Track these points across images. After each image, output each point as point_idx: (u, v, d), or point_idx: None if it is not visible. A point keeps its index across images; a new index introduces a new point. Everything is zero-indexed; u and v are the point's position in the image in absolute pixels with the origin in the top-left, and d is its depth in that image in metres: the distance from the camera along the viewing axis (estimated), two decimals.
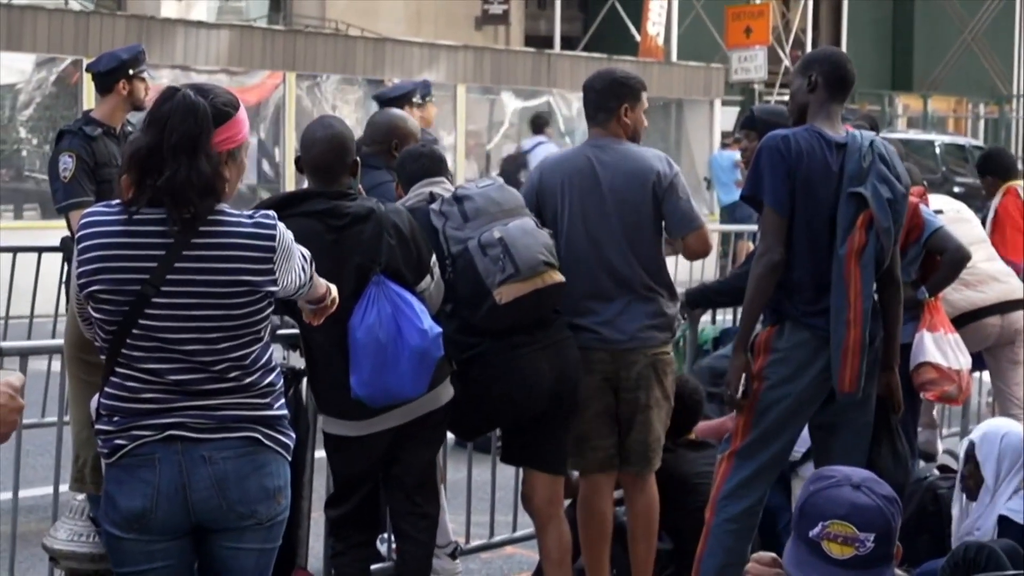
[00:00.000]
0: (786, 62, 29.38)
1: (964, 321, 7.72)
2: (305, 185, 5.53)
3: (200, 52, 18.17)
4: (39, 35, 16.75)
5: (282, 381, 4.20)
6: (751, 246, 14.27)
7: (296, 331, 5.46)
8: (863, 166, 5.49)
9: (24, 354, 5.74)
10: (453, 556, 6.47)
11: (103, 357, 4.06)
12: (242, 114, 4.12)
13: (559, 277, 5.71)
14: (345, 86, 20.00)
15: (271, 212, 4.13)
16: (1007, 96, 36.91)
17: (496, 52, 22.88)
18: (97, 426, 4.07)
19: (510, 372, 5.70)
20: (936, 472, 7.14)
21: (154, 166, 3.94)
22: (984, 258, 7.95)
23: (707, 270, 15.27)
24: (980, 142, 30.92)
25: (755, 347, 5.60)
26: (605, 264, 5.99)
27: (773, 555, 3.71)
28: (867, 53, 34.67)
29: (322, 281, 4.44)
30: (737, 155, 19.76)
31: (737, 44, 27.61)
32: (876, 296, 5.61)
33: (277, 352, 4.77)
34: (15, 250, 10.34)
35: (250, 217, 4.06)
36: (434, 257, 5.53)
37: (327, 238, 5.22)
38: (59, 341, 5.33)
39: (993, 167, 10.58)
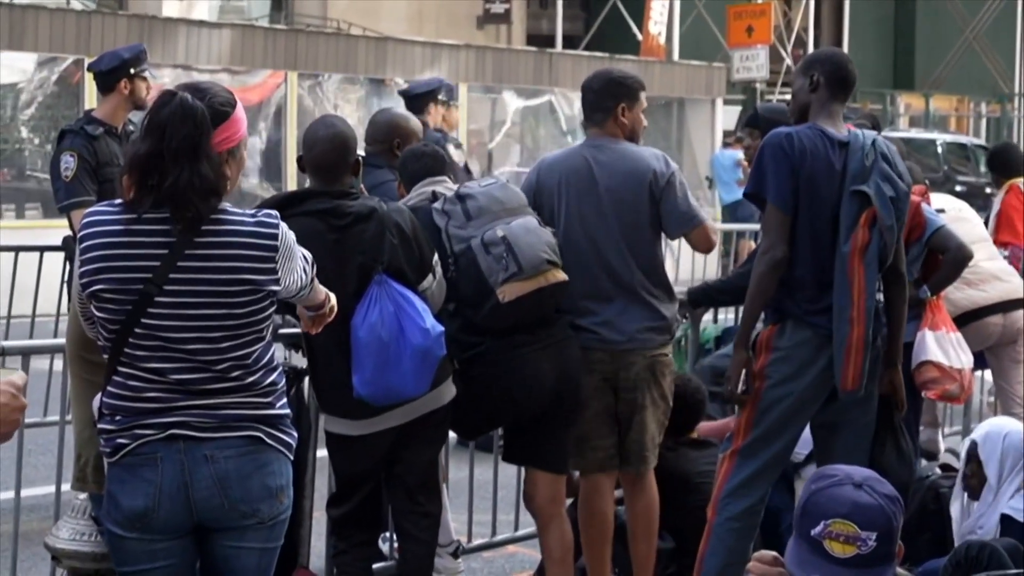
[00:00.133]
0: (788, 61, 29.37)
1: (966, 320, 7.72)
2: (307, 184, 5.53)
3: (202, 51, 18.17)
4: (41, 34, 16.76)
5: (284, 380, 4.20)
6: (753, 245, 14.27)
7: (298, 330, 5.46)
8: (866, 164, 5.50)
9: (26, 353, 5.74)
10: (455, 555, 6.47)
11: (105, 356, 4.06)
12: (239, 111, 4.12)
13: (562, 276, 5.71)
14: (347, 85, 20.01)
15: (273, 212, 4.13)
16: (1009, 95, 36.91)
17: (498, 51, 22.88)
18: (99, 425, 4.07)
19: (512, 371, 5.70)
20: (938, 471, 7.15)
21: (156, 171, 3.94)
22: (986, 257, 7.95)
23: (709, 269, 15.26)
24: (982, 141, 30.94)
25: (756, 346, 5.60)
26: (603, 264, 5.98)
27: (775, 554, 3.71)
28: (869, 52, 34.67)
29: (321, 288, 4.45)
30: (739, 154, 19.80)
31: (739, 43, 27.60)
32: (882, 293, 5.62)
33: (279, 351, 4.77)
34: (17, 249, 10.34)
35: (252, 216, 4.06)
36: (436, 256, 5.53)
37: (329, 237, 5.22)
38: (61, 340, 5.33)
39: (998, 163, 10.60)
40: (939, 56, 36.98)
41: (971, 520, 6.05)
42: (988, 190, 22.76)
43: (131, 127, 7.63)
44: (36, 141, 17.35)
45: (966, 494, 6.15)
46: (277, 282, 4.05)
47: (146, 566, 4.04)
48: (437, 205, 5.75)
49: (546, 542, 6.05)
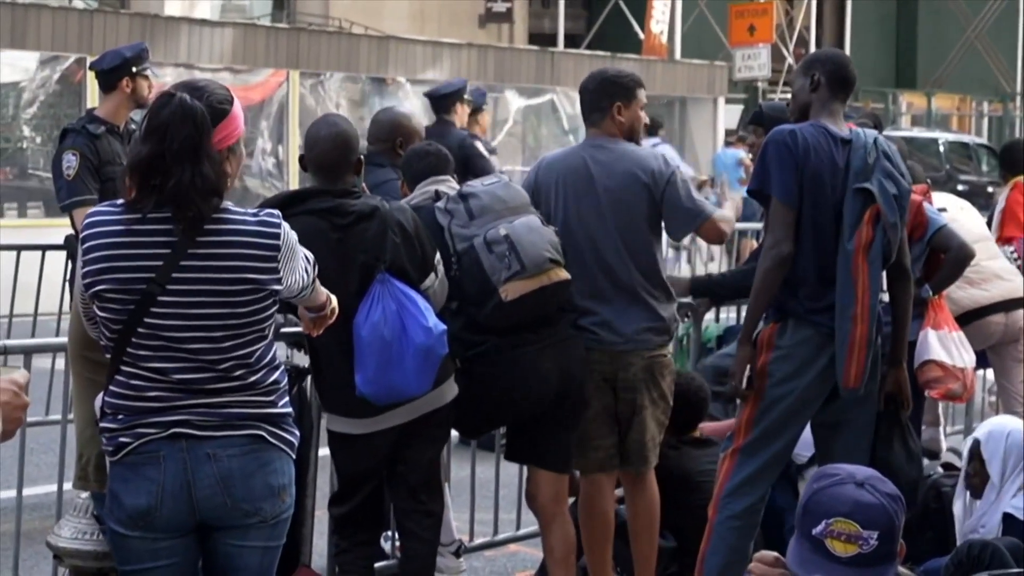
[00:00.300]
0: (790, 60, 29.40)
1: (968, 319, 7.72)
2: (309, 183, 5.53)
3: (204, 50, 18.18)
4: (43, 33, 16.76)
5: (286, 379, 4.20)
6: (755, 244, 14.27)
7: (300, 329, 5.46)
8: (868, 162, 5.51)
9: (28, 352, 5.74)
10: (457, 554, 6.47)
11: (108, 356, 4.06)
12: (237, 108, 4.12)
13: (565, 274, 5.71)
14: (349, 84, 20.01)
15: (275, 211, 4.13)
16: (1011, 94, 36.92)
17: (500, 50, 22.89)
18: (102, 424, 4.07)
19: (515, 370, 5.70)
20: (940, 470, 7.14)
21: (157, 172, 3.95)
22: (988, 256, 7.94)
23: (715, 270, 15.24)
24: (984, 140, 30.94)
25: (758, 344, 5.60)
26: (601, 265, 5.97)
27: (776, 554, 3.71)
28: (871, 51, 34.70)
29: (323, 289, 4.45)
30: (741, 153, 19.81)
31: (741, 42, 27.62)
32: (887, 290, 5.63)
33: (281, 350, 4.77)
34: (19, 248, 10.33)
35: (254, 215, 4.06)
36: (438, 255, 5.53)
37: (331, 236, 5.22)
38: (63, 339, 5.33)
39: (1007, 160, 10.61)
40: (941, 55, 37.00)
41: (973, 519, 6.05)
42: (990, 189, 22.79)
43: (133, 126, 7.63)
44: (38, 140, 17.35)
45: (968, 493, 6.15)
46: (279, 281, 4.05)
47: (148, 565, 4.04)
48: (440, 204, 5.75)
49: (548, 541, 6.05)
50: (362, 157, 5.51)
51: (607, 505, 6.13)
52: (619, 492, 6.32)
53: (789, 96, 5.90)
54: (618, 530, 6.20)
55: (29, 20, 16.67)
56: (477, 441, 6.96)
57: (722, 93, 24.77)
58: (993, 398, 9.00)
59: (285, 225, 4.09)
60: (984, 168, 27.32)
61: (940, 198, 8.05)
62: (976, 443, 6.12)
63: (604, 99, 6.07)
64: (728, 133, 23.90)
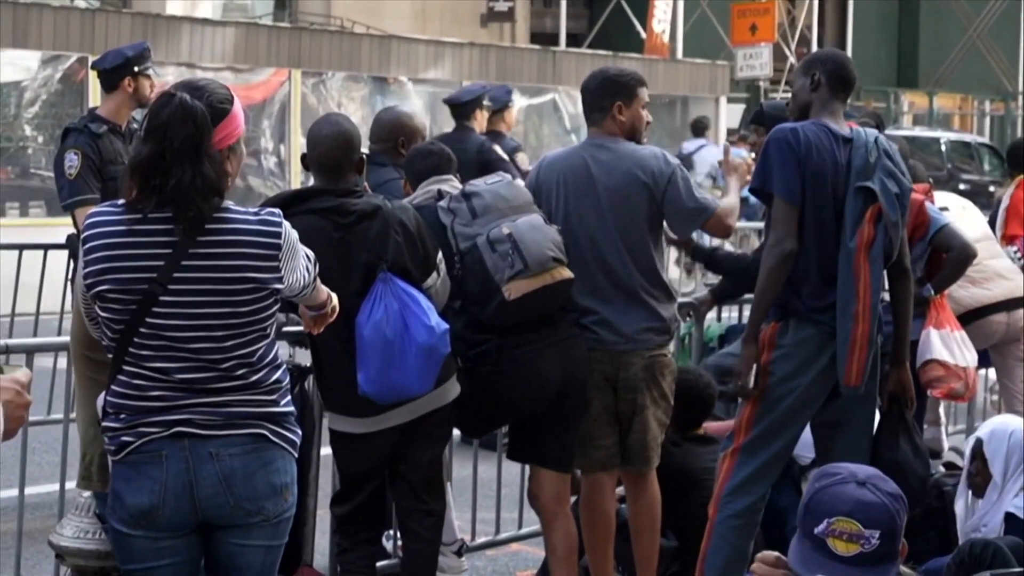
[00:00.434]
0: (791, 59, 29.39)
1: (970, 318, 7.71)
2: (311, 183, 5.53)
3: (205, 50, 18.17)
4: (44, 32, 16.76)
5: (288, 378, 4.21)
6: (756, 243, 14.26)
7: (302, 328, 5.47)
8: (869, 161, 5.51)
9: (30, 351, 5.74)
10: (459, 554, 6.47)
11: (110, 356, 4.06)
12: (237, 107, 4.12)
13: (568, 273, 5.71)
14: (350, 83, 20.00)
15: (276, 210, 4.13)
16: (1012, 93, 36.90)
17: (501, 49, 22.88)
18: (104, 423, 4.07)
19: (517, 369, 5.70)
20: (942, 469, 7.14)
21: (158, 172, 3.95)
22: (990, 255, 7.94)
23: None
24: (986, 139, 30.94)
25: (759, 343, 5.60)
26: (601, 265, 5.97)
27: (777, 554, 3.71)
28: (872, 50, 34.69)
29: (323, 288, 4.45)
30: (743, 152, 19.78)
31: (742, 41, 27.62)
32: (888, 289, 5.63)
33: (282, 349, 4.77)
34: (21, 247, 10.34)
35: (255, 215, 4.06)
36: (440, 254, 5.53)
37: (333, 236, 5.22)
38: (65, 338, 5.34)
39: (1014, 157, 10.62)
40: (943, 54, 36.98)
41: (975, 518, 6.05)
42: (992, 188, 22.79)
43: (135, 125, 7.63)
44: (40, 139, 17.34)
45: (970, 492, 6.15)
46: (280, 280, 4.05)
47: (151, 564, 4.04)
48: (443, 203, 5.75)
49: (551, 540, 6.05)
50: (364, 156, 5.51)
51: (608, 504, 6.12)
52: (620, 491, 6.31)
53: (790, 95, 5.91)
54: (619, 529, 6.20)
55: (31, 19, 16.66)
56: (479, 440, 6.95)
57: (724, 92, 24.75)
58: (995, 397, 9.00)
59: (286, 224, 4.09)
60: (986, 167, 27.32)
61: (942, 197, 8.05)
62: (979, 442, 6.12)
63: (605, 98, 6.06)
64: (730, 132, 23.87)
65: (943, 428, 8.98)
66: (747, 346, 5.56)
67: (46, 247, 10.03)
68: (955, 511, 6.29)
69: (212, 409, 4.01)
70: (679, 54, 26.99)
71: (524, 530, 7.19)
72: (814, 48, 28.85)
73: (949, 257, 7.33)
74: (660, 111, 22.90)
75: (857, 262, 5.46)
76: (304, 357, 5.87)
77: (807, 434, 5.87)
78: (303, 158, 5.52)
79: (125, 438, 4.01)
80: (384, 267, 5.23)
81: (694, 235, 6.91)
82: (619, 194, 5.96)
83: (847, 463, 3.78)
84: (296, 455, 4.17)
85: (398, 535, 6.19)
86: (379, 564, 6.09)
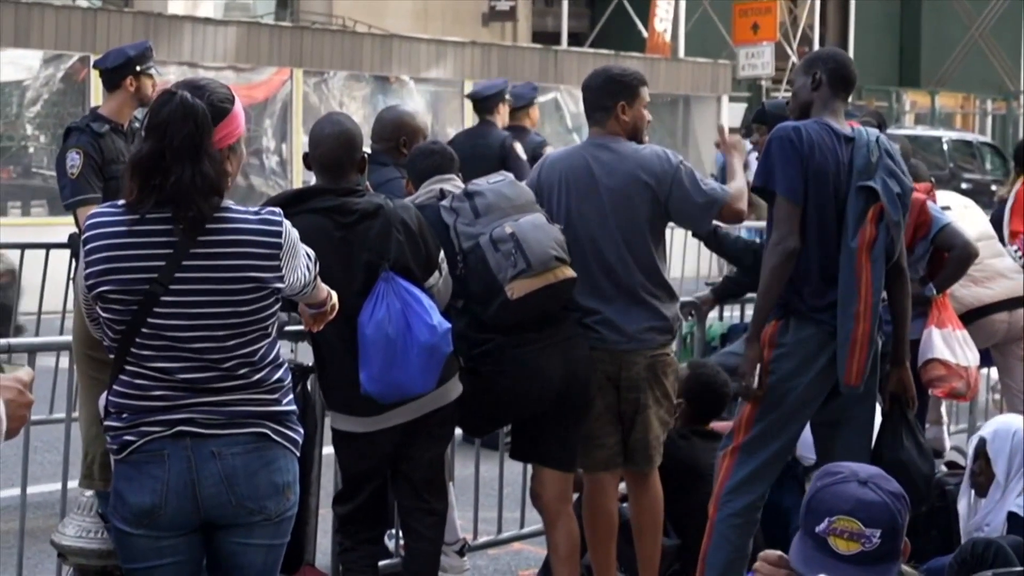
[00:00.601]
0: (793, 58, 29.39)
1: (972, 317, 7.71)
2: (313, 182, 5.53)
3: (207, 49, 18.18)
4: (46, 31, 16.76)
5: (290, 377, 4.21)
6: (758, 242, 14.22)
7: (303, 327, 5.47)
8: (871, 160, 5.52)
9: (33, 350, 5.74)
10: (461, 553, 6.47)
11: (112, 356, 4.06)
12: (238, 107, 4.12)
13: (570, 272, 5.70)
14: (352, 82, 20.01)
15: (277, 209, 4.13)
16: (1014, 92, 36.90)
17: (503, 48, 22.89)
18: (106, 422, 4.07)
19: (519, 369, 5.69)
20: (944, 468, 7.14)
21: (158, 171, 3.95)
22: (992, 254, 7.94)
23: (715, 268, 15.22)
24: (988, 138, 30.93)
25: (761, 342, 5.60)
26: (602, 265, 5.95)
27: (779, 553, 3.71)
28: (874, 49, 34.69)
29: (323, 286, 4.45)
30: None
31: (744, 40, 27.64)
32: (885, 290, 5.63)
33: (284, 348, 4.77)
34: (23, 247, 10.34)
35: (256, 214, 4.06)
36: (442, 253, 5.53)
37: (335, 235, 5.22)
38: (67, 338, 5.34)
39: (1017, 157, 10.61)
40: (944, 53, 36.99)
41: (978, 517, 6.05)
42: (994, 187, 22.77)
43: (137, 124, 7.63)
44: (42, 138, 17.35)
45: (973, 491, 6.15)
46: (281, 279, 4.05)
47: (153, 563, 4.04)
48: (445, 203, 5.74)
49: (553, 539, 6.05)
50: (366, 156, 5.51)
51: (611, 504, 6.12)
52: (621, 490, 6.31)
53: (791, 94, 5.91)
54: (620, 529, 6.19)
55: (33, 18, 16.67)
56: (481, 439, 6.95)
57: (726, 91, 24.76)
58: (997, 396, 9.00)
59: (286, 223, 4.09)
60: (988, 167, 27.32)
61: (944, 196, 8.05)
62: (982, 441, 6.12)
63: (608, 98, 6.05)
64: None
65: (945, 427, 8.98)
66: (750, 346, 5.56)
67: (48, 246, 10.03)
68: (958, 510, 6.29)
69: (214, 408, 4.01)
70: (681, 53, 27.00)
71: (526, 529, 7.19)
72: (816, 47, 28.84)
73: (951, 256, 7.33)
74: (662, 110, 22.91)
75: (859, 262, 5.46)
76: (306, 349, 5.86)
77: (811, 435, 5.88)
78: (305, 157, 5.52)
79: (127, 437, 4.01)
80: (386, 266, 5.23)
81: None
82: (621, 195, 5.94)
83: (850, 462, 3.78)
84: (298, 454, 4.17)
85: (400, 534, 6.19)
86: (381, 563, 6.08)
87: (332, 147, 5.37)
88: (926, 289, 7.21)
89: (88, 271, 3.99)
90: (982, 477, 6.07)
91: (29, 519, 6.00)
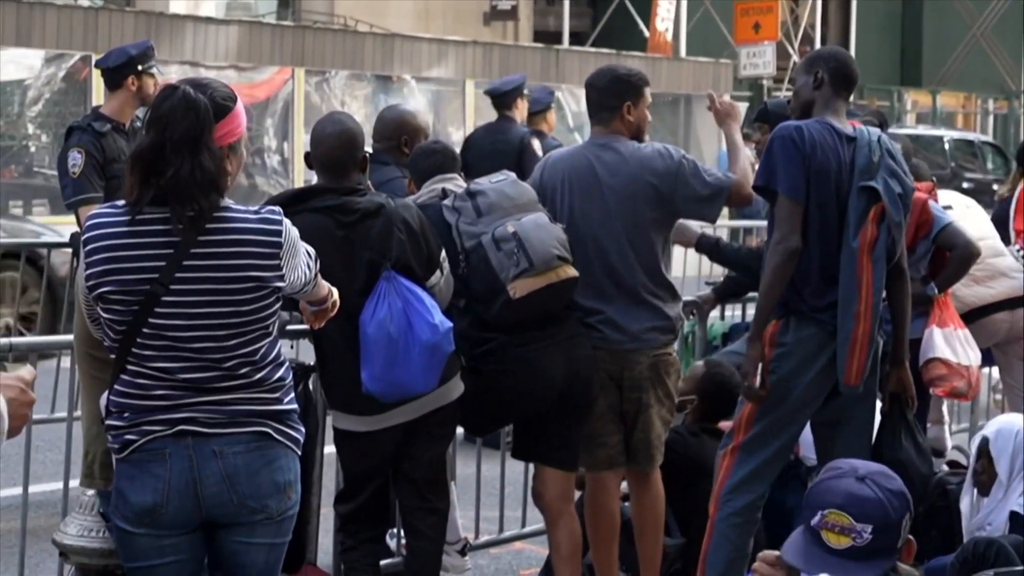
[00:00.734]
0: (795, 58, 29.40)
1: (973, 316, 7.71)
2: (315, 181, 5.54)
3: (209, 48, 18.20)
4: (48, 31, 16.78)
5: (291, 376, 4.21)
6: (759, 242, 14.24)
7: (306, 326, 5.47)
8: (873, 160, 5.52)
9: (34, 350, 5.74)
10: (463, 552, 6.48)
11: (113, 356, 4.06)
12: (240, 107, 4.12)
13: (573, 272, 5.70)
14: (354, 82, 20.02)
15: (277, 208, 4.13)
16: (1016, 92, 36.90)
17: (505, 48, 22.91)
18: (107, 422, 4.07)
19: (522, 368, 5.69)
20: (945, 468, 7.14)
21: (157, 165, 3.95)
22: (993, 254, 7.94)
23: (716, 268, 15.19)
24: (989, 138, 30.94)
25: (763, 342, 5.60)
26: (604, 265, 5.95)
27: (778, 553, 3.72)
28: (876, 49, 34.69)
29: (324, 283, 4.45)
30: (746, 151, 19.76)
31: (746, 40, 27.65)
32: (885, 290, 5.63)
33: (285, 346, 4.78)
34: (24, 246, 10.35)
35: (256, 213, 4.06)
36: (443, 252, 5.53)
37: (337, 234, 5.22)
38: (69, 337, 5.34)
39: (1018, 157, 10.61)
40: (946, 53, 37.00)
41: (980, 516, 6.05)
42: (995, 187, 22.77)
43: (138, 123, 7.64)
44: (43, 138, 17.37)
45: (975, 490, 6.15)
46: (282, 278, 4.05)
47: (154, 562, 4.05)
48: (447, 202, 5.74)
49: (555, 539, 6.05)
50: (367, 155, 5.51)
51: (612, 503, 6.12)
52: (623, 489, 6.31)
53: (792, 94, 5.91)
54: (622, 528, 6.19)
55: (34, 18, 16.68)
56: (483, 439, 6.95)
57: (727, 91, 24.76)
58: (998, 396, 9.00)
59: (286, 222, 4.09)
60: (989, 166, 27.32)
61: (945, 196, 8.05)
62: (984, 441, 6.12)
63: (614, 98, 6.04)
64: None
65: (946, 427, 8.98)
66: (753, 345, 5.55)
67: (50, 246, 10.04)
68: (960, 509, 6.29)
69: (215, 407, 4.01)
70: (682, 52, 27.02)
71: (528, 528, 7.19)
72: (817, 46, 28.84)
73: (953, 255, 7.33)
74: (663, 110, 22.93)
75: (860, 262, 5.46)
76: (307, 354, 5.86)
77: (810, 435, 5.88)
78: (307, 156, 5.52)
79: (129, 436, 4.01)
80: (388, 265, 5.23)
81: (697, 227, 6.85)
82: (625, 195, 5.94)
83: (853, 459, 3.79)
84: (299, 453, 4.18)
85: (402, 534, 6.19)
86: (383, 563, 6.08)
87: (334, 146, 5.37)
88: (928, 288, 7.21)
89: (88, 272, 3.99)
90: (984, 476, 6.07)
91: (31, 518, 6.00)
